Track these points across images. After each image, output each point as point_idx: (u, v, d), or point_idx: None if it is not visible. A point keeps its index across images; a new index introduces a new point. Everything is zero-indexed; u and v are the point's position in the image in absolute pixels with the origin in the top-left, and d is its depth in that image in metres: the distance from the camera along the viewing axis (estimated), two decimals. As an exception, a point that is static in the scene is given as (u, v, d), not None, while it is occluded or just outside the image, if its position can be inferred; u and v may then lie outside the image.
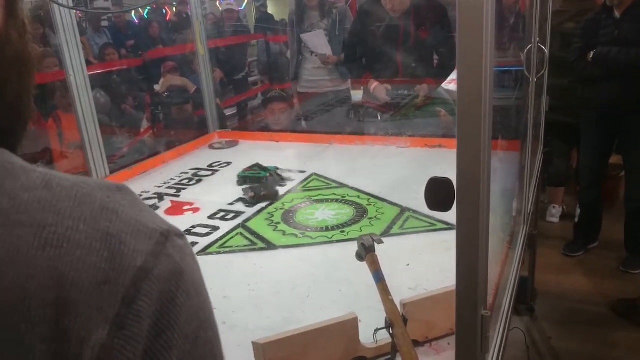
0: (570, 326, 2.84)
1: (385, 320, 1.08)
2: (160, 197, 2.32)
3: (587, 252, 3.59)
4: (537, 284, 3.11)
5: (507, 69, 2.92)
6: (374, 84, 3.10)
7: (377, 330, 1.10)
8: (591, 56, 3.09)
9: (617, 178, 4.05)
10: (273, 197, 2.13)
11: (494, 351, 1.06)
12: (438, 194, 0.73)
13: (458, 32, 0.66)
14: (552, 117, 3.68)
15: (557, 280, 3.30)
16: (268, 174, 2.33)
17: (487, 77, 0.68)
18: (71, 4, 2.35)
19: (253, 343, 1.08)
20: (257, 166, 2.42)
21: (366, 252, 1.18)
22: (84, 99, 2.38)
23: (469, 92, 0.67)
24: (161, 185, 2.49)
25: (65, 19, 2.27)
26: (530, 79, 1.63)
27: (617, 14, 3.05)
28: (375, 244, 1.21)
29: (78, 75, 2.34)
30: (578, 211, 3.84)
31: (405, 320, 1.08)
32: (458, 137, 0.69)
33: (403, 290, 1.37)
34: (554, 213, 4.13)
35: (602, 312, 2.92)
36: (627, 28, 2.98)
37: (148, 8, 6.46)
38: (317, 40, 3.80)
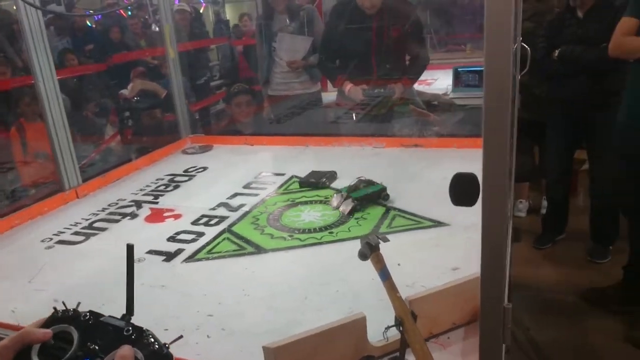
0: (545, 317, 2.92)
1: (395, 317, 1.08)
2: (138, 204, 2.26)
3: (555, 243, 3.71)
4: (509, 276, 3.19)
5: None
6: (348, 86, 3.10)
7: (387, 328, 1.10)
8: (556, 54, 3.19)
9: (578, 171, 4.23)
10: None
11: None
12: (463, 189, 0.74)
13: (485, 25, 0.66)
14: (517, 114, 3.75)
15: (529, 273, 3.39)
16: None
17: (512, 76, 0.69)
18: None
19: (264, 347, 1.06)
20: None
21: (371, 251, 1.18)
22: (54, 106, 2.30)
23: (496, 87, 0.68)
24: (137, 192, 2.43)
25: (33, 22, 2.18)
26: (515, 77, 1.67)
27: (580, 14, 3.17)
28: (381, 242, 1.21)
29: (47, 81, 2.26)
30: (544, 203, 3.98)
31: (414, 317, 1.08)
32: (484, 133, 0.70)
33: (401, 288, 1.37)
34: (521, 208, 4.24)
35: (574, 301, 3.02)
36: (590, 27, 3.10)
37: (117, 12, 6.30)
38: (289, 45, 3.78)
